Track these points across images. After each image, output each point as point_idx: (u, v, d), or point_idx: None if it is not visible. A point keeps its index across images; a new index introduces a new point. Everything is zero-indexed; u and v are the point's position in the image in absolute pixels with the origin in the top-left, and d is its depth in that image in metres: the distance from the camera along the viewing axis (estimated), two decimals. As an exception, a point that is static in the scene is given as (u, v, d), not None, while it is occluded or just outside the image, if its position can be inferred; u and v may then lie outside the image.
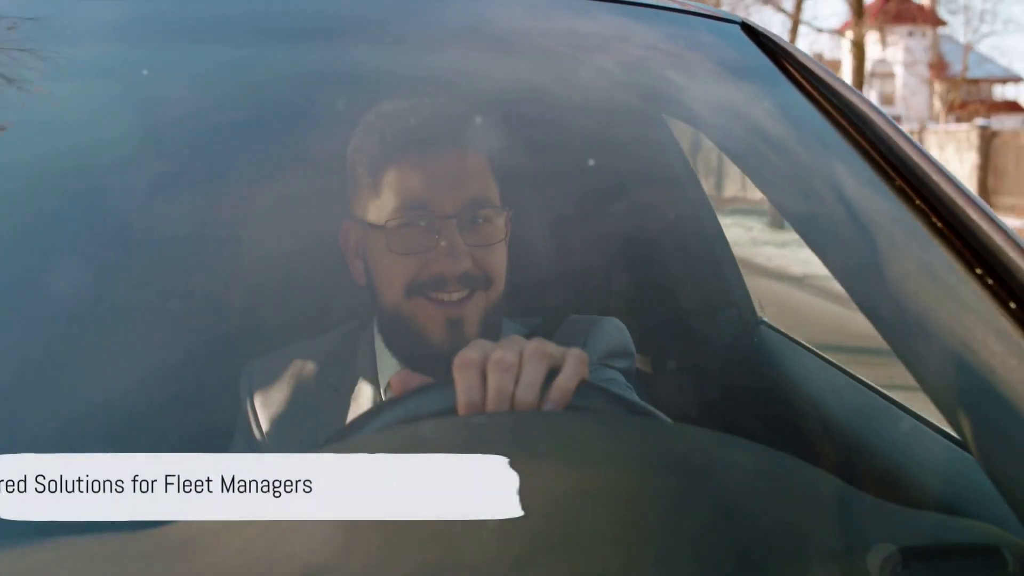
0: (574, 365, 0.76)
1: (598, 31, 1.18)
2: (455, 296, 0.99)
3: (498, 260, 1.03)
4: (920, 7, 27.15)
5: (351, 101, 1.12)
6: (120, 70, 1.14)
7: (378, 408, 0.80)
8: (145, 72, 1.12)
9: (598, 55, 1.14)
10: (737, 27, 1.22)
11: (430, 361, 1.01)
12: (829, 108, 1.05)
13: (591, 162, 1.35)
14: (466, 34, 1.16)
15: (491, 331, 1.03)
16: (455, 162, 1.01)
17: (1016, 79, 31.32)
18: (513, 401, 0.74)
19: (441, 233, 0.99)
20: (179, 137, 1.23)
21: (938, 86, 26.22)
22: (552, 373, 0.76)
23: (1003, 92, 32.47)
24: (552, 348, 0.77)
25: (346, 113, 1.09)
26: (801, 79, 1.10)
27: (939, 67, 26.76)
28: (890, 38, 28.13)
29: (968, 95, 28.82)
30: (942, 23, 27.04)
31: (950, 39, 28.35)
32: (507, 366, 0.75)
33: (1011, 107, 30.06)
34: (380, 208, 1.01)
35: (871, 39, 26.90)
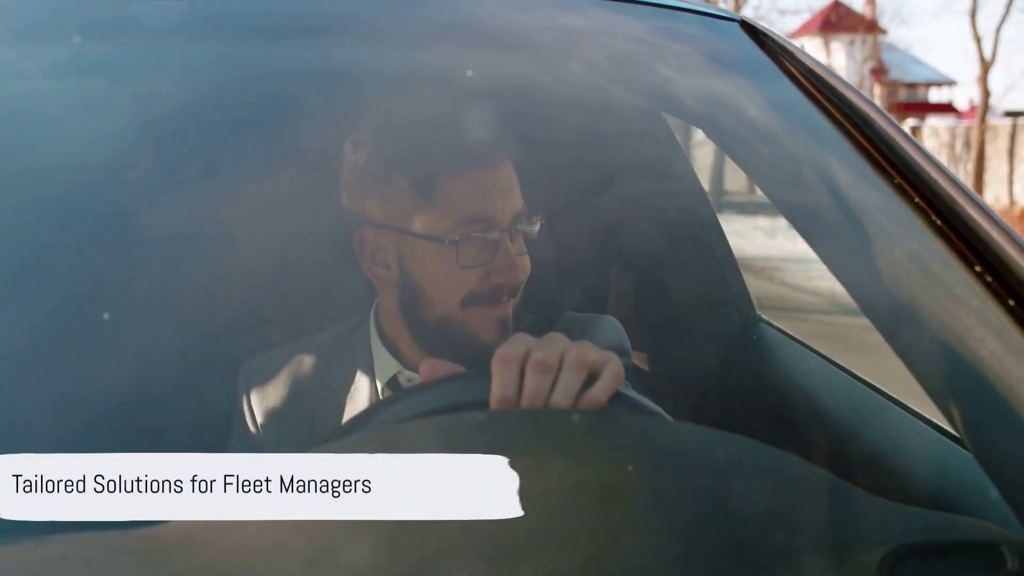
0: (610, 378, 0.77)
1: (596, 28, 1.18)
2: (505, 304, 1.01)
3: (528, 267, 1.04)
4: (861, 17, 28.70)
5: (352, 99, 1.11)
6: (117, 67, 1.14)
7: (408, 394, 0.80)
8: (143, 69, 1.12)
9: (596, 52, 1.14)
10: (736, 25, 1.21)
11: (474, 365, 1.02)
12: (828, 106, 1.05)
13: (588, 158, 1.35)
14: (468, 33, 1.16)
15: (524, 324, 1.05)
16: (506, 173, 1.02)
17: (950, 83, 32.78)
18: (547, 403, 0.75)
19: (500, 246, 1.00)
20: (176, 134, 1.23)
21: (878, 90, 27.55)
22: (588, 378, 0.77)
23: (939, 95, 34.07)
24: (592, 356, 0.77)
25: (346, 111, 1.09)
26: (800, 77, 1.10)
27: (879, 72, 28.03)
28: (833, 45, 29.52)
29: (907, 97, 31.50)
30: (882, 31, 28.36)
31: (891, 47, 30.20)
32: (547, 368, 0.76)
33: (945, 108, 31.74)
34: (435, 221, 0.99)
35: (815, 46, 28.50)
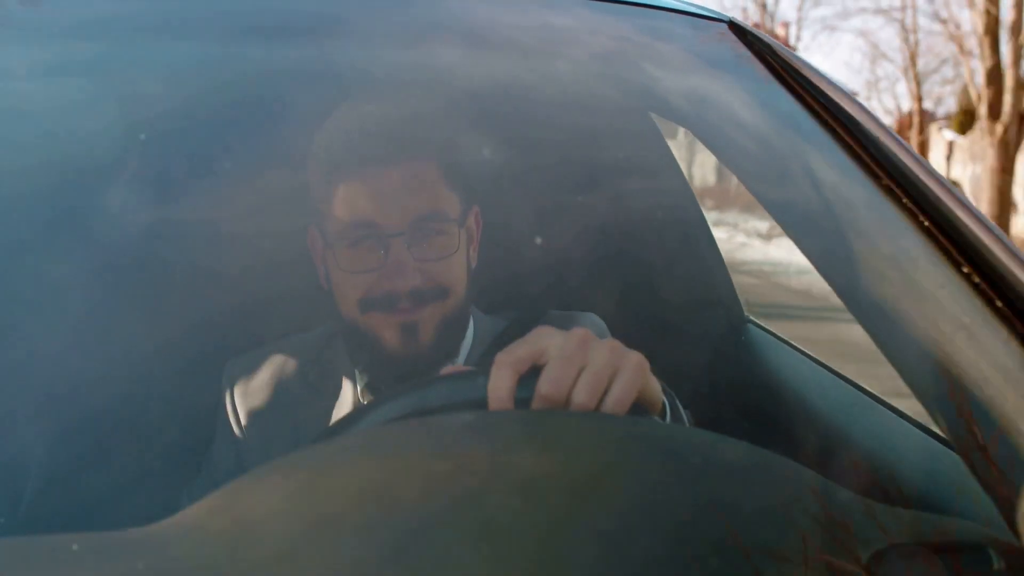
0: (618, 402, 0.74)
1: (583, 28, 1.18)
2: (407, 311, 0.98)
3: (454, 271, 1.01)
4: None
5: (327, 99, 1.11)
6: (104, 67, 1.13)
7: (401, 393, 0.79)
8: (127, 70, 1.11)
9: (583, 52, 1.14)
10: (724, 25, 1.21)
11: (389, 373, 1.01)
12: (816, 106, 1.05)
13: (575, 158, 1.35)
14: (449, 32, 1.15)
15: (451, 340, 1.03)
16: (402, 177, 0.98)
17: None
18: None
19: (388, 251, 0.97)
20: (159, 135, 1.23)
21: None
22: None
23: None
24: (607, 374, 0.74)
25: (320, 112, 1.09)
26: (788, 77, 1.10)
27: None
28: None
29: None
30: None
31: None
32: (554, 403, 0.72)
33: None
34: (332, 224, 0.99)
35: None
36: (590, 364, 0.73)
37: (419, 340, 0.99)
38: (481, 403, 0.74)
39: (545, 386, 0.72)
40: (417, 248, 0.98)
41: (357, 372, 1.07)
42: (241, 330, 1.18)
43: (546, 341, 0.75)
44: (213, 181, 1.21)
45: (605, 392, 0.73)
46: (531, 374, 0.74)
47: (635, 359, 0.76)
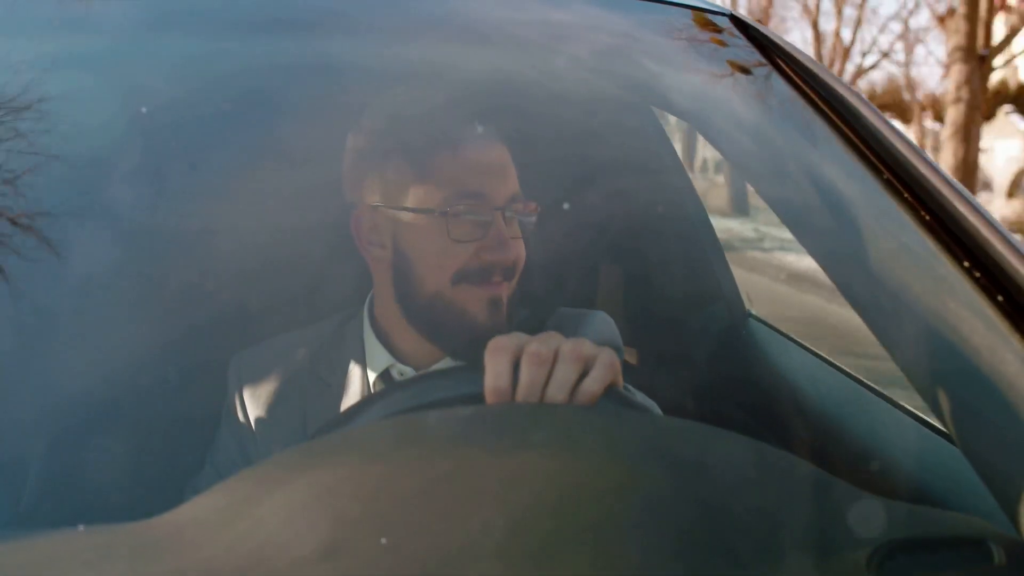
0: (605, 369, 0.78)
1: (586, 23, 1.18)
2: (498, 285, 1.01)
3: (523, 253, 1.05)
4: None
5: (344, 94, 1.11)
6: (110, 63, 1.13)
7: (401, 387, 0.80)
8: (134, 64, 1.11)
9: (586, 47, 1.14)
10: (726, 19, 1.21)
11: (465, 347, 1.03)
12: (818, 100, 1.05)
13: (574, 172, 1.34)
14: (460, 29, 1.15)
15: (512, 319, 1.05)
16: (501, 155, 1.03)
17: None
18: (542, 396, 0.76)
19: (493, 224, 1.01)
20: (167, 128, 1.22)
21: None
22: (583, 371, 0.78)
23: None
24: (588, 349, 0.79)
25: (337, 105, 1.09)
26: (790, 71, 1.10)
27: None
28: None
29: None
30: None
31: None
32: (542, 360, 0.77)
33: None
34: (428, 195, 1.01)
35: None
36: (562, 354, 0.78)
37: (499, 315, 1.02)
38: (479, 395, 0.76)
39: (523, 371, 0.76)
40: (510, 225, 1.02)
41: (370, 358, 1.07)
42: (247, 324, 1.18)
43: (524, 336, 0.79)
44: (221, 177, 1.21)
45: (577, 381, 0.78)
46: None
47: (607, 354, 0.80)
